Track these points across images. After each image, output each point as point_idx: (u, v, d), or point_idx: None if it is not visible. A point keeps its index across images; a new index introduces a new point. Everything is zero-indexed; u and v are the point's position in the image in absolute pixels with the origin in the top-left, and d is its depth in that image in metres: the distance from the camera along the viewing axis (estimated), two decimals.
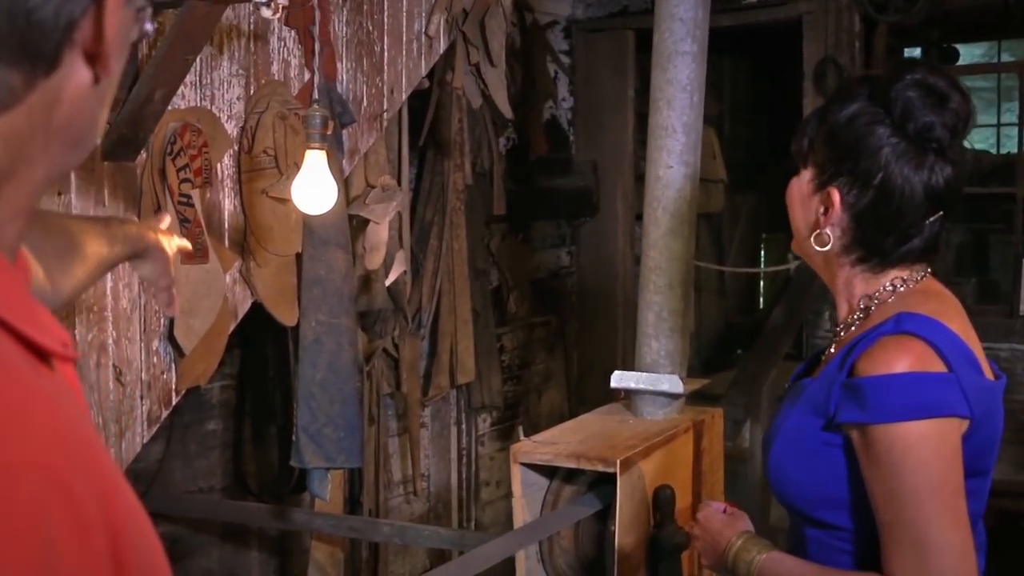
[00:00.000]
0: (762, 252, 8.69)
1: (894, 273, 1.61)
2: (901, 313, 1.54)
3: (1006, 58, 9.79)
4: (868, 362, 1.50)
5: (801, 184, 1.66)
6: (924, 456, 1.45)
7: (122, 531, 0.62)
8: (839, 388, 1.53)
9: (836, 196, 1.59)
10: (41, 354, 0.64)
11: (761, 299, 8.84)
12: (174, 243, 1.61)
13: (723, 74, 7.65)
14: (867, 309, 1.61)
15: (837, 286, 1.67)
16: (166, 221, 1.64)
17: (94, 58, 0.68)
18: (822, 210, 1.61)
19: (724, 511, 1.79)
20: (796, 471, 1.60)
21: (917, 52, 7.41)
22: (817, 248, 1.63)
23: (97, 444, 0.65)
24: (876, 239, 1.58)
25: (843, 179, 1.58)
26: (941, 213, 1.58)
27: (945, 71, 1.63)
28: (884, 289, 1.61)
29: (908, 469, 1.45)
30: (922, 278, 1.61)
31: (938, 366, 1.48)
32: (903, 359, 1.48)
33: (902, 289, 1.60)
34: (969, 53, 9.52)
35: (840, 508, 1.56)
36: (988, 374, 1.56)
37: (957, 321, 1.55)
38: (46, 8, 0.64)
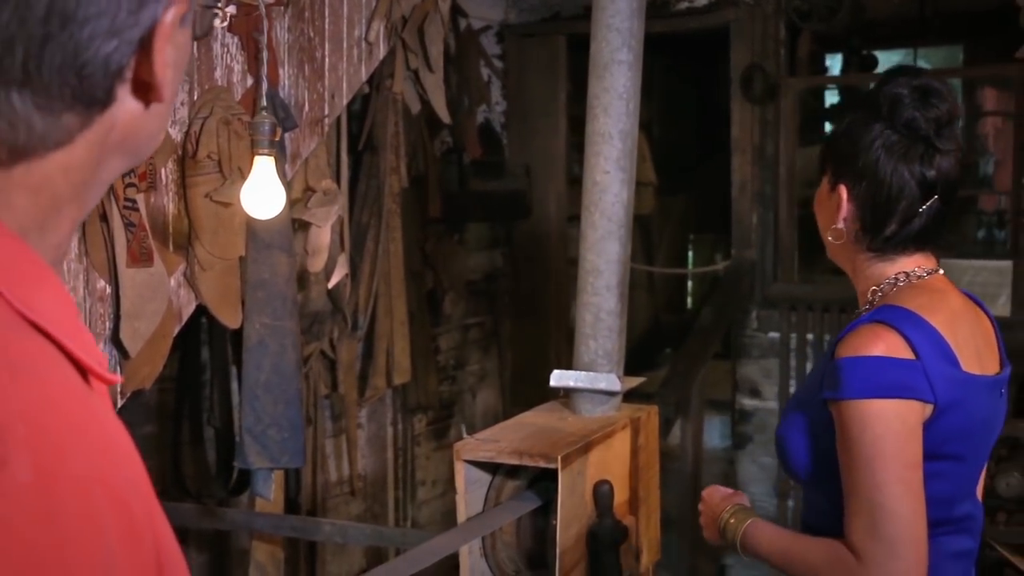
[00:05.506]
0: (690, 252, 8.87)
1: (901, 264, 1.79)
2: (884, 305, 1.73)
3: (922, 64, 10.11)
4: (845, 346, 1.69)
5: (821, 190, 1.88)
6: (879, 430, 1.62)
7: (163, 546, 0.66)
8: (826, 369, 1.72)
9: (844, 192, 1.80)
10: (84, 373, 0.67)
11: (689, 298, 9.02)
12: None
13: (652, 78, 7.78)
14: (873, 302, 1.79)
15: (855, 278, 1.86)
16: None
17: (146, 88, 0.70)
18: (836, 206, 1.82)
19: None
20: (792, 443, 1.80)
21: (838, 58, 7.62)
22: (833, 240, 1.84)
23: (140, 461, 0.68)
24: (877, 225, 1.77)
25: (848, 176, 1.79)
26: (936, 199, 1.74)
27: (929, 74, 1.80)
28: (888, 282, 1.79)
29: (865, 441, 1.62)
30: (929, 274, 1.78)
31: (905, 353, 1.65)
32: (875, 345, 1.65)
33: (903, 284, 1.77)
34: (888, 60, 9.80)
35: (831, 477, 1.72)
36: (974, 368, 1.71)
37: (942, 315, 1.70)
38: (96, 62, 0.66)
